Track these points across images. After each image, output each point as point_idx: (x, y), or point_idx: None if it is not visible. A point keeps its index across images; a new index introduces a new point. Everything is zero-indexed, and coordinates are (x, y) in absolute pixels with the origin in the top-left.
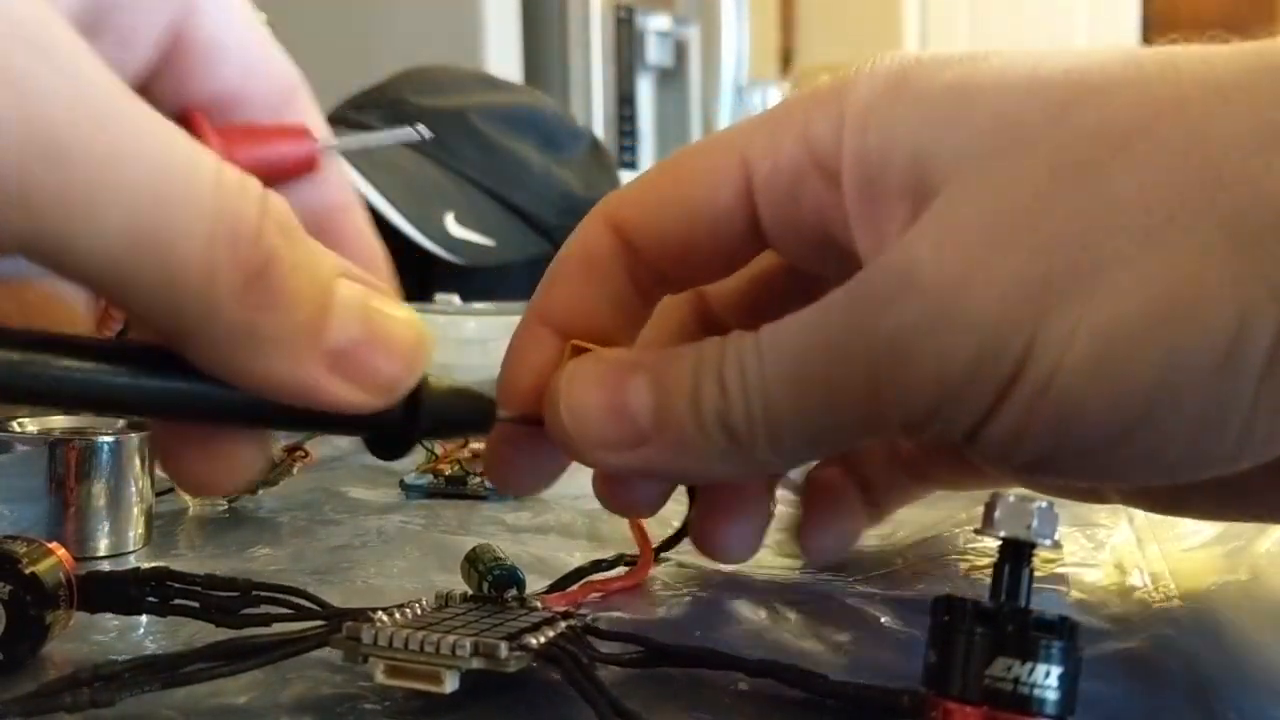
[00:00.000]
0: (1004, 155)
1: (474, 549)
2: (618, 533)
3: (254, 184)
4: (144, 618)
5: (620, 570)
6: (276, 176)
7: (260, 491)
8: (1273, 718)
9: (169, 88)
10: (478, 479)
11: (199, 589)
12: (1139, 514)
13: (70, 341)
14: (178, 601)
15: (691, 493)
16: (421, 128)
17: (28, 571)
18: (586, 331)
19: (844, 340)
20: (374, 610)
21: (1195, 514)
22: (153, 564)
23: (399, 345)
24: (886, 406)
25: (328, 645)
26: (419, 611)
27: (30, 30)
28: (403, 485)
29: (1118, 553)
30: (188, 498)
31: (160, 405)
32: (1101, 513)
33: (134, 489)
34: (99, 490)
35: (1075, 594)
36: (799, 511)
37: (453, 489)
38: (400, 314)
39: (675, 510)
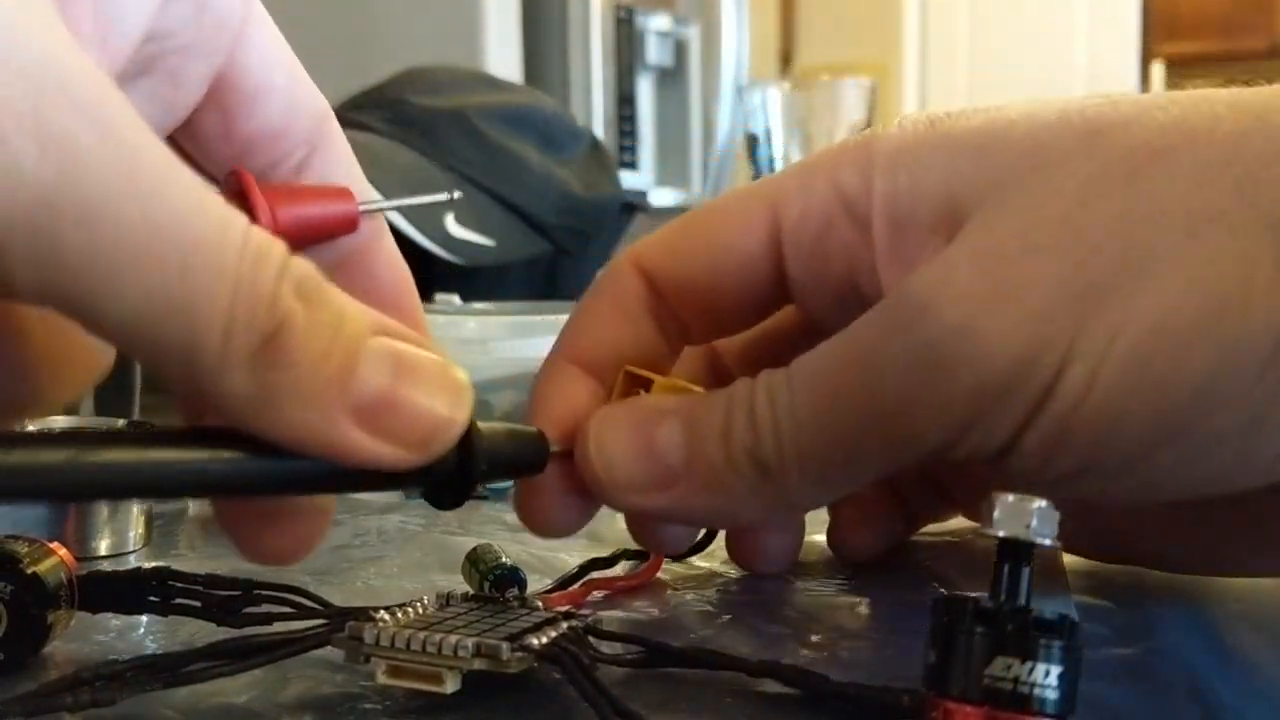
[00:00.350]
0: (1038, 174)
1: (475, 549)
2: (617, 532)
3: (278, 249)
4: (144, 617)
5: (624, 566)
6: (319, 235)
7: None
8: None
9: (215, 123)
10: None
11: (200, 588)
12: None
13: (104, 435)
14: (179, 601)
15: None
16: (456, 194)
17: (29, 571)
18: (598, 364)
19: (875, 357)
20: (375, 610)
21: (1230, 567)
22: (154, 564)
23: (431, 399)
24: (920, 424)
25: (329, 645)
26: (420, 611)
27: (76, 92)
28: None
29: None
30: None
31: (206, 484)
32: None
33: None
34: None
35: (1076, 599)
36: (832, 512)
37: None
38: (434, 367)
39: None
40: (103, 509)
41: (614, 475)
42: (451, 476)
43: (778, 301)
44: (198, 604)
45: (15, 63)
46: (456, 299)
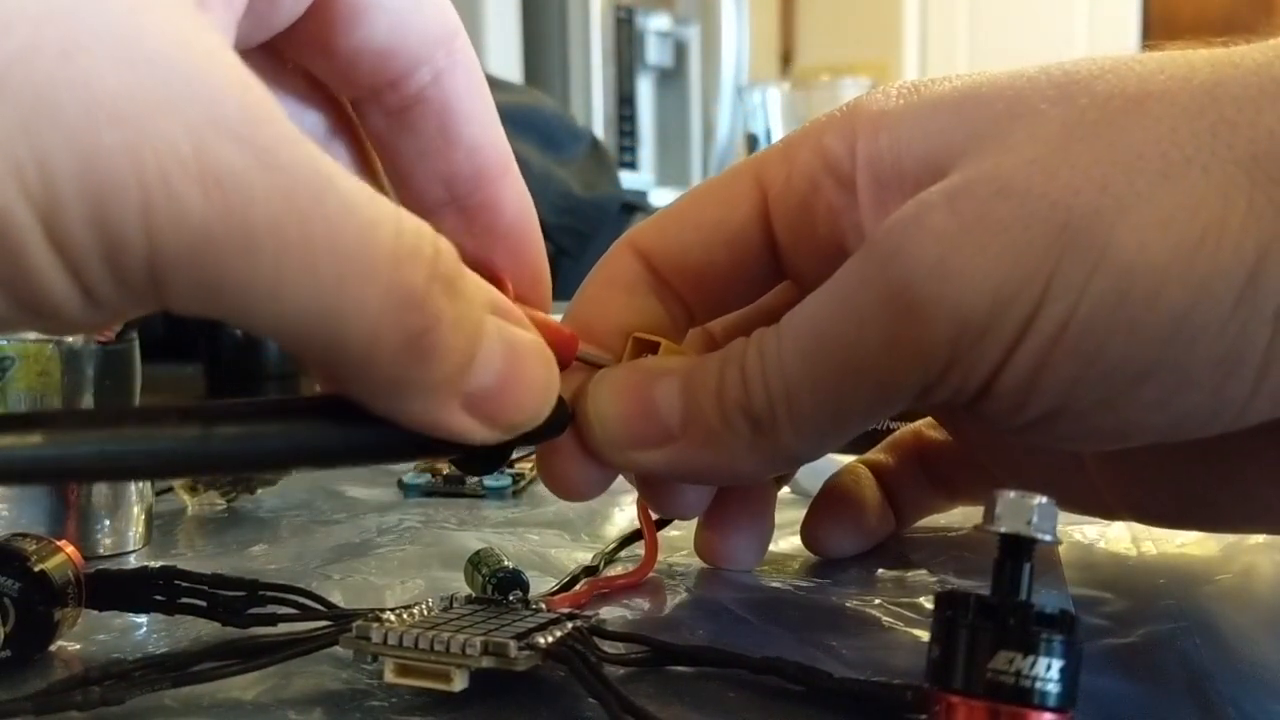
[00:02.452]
0: (1015, 122)
1: (477, 552)
2: (616, 528)
3: (428, 241)
4: (146, 616)
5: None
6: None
7: (259, 491)
8: (1269, 710)
9: (314, 37)
10: (476, 478)
11: (206, 588)
12: None
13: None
14: (185, 600)
15: None
16: None
17: (36, 569)
18: (609, 344)
19: (854, 302)
20: (381, 610)
21: (1208, 523)
22: (160, 564)
23: (531, 389)
24: (900, 367)
25: (337, 644)
26: (425, 613)
27: (232, 117)
28: (400, 484)
29: (1114, 550)
30: (186, 497)
31: (296, 455)
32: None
33: (134, 488)
34: (100, 490)
35: (1071, 590)
36: (809, 506)
37: (450, 488)
38: (534, 353)
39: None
40: (103, 509)
41: (612, 434)
42: (493, 445)
43: (771, 275)
44: (203, 604)
45: (174, 101)
46: None
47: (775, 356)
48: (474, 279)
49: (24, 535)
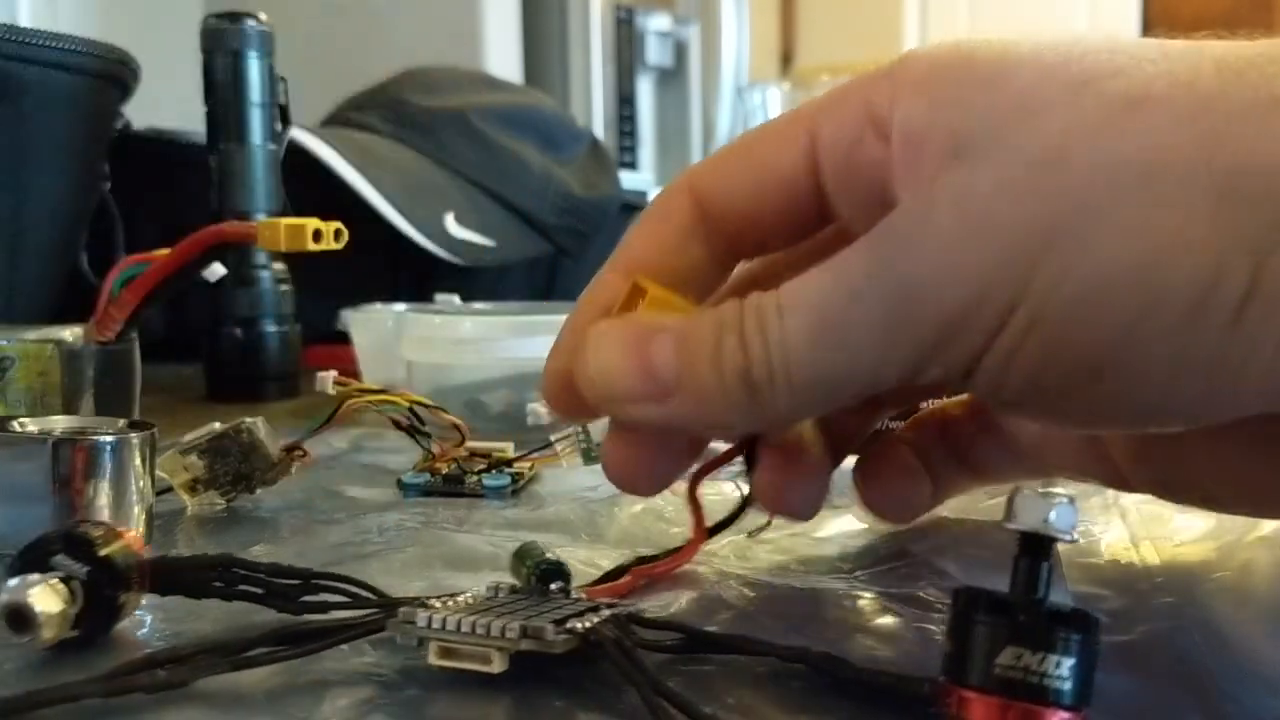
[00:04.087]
0: (1027, 119)
1: (522, 545)
2: (617, 528)
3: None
4: (195, 602)
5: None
6: None
7: (258, 491)
8: (1269, 707)
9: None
10: (475, 477)
11: (263, 576)
12: (1132, 511)
13: None
14: (242, 588)
15: (749, 458)
16: None
17: (103, 554)
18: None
19: (862, 284)
20: (426, 599)
21: (1219, 505)
22: (220, 552)
23: None
24: (897, 347)
25: (384, 630)
26: (469, 601)
27: None
28: (400, 484)
29: (1112, 549)
30: (186, 497)
31: None
32: (1095, 511)
33: (135, 488)
34: (101, 490)
35: (1071, 588)
36: (858, 476)
37: (450, 488)
38: None
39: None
40: (105, 508)
41: (611, 388)
42: None
43: (817, 218)
44: (259, 591)
45: None
46: (456, 299)
47: (777, 329)
48: None
49: (89, 522)
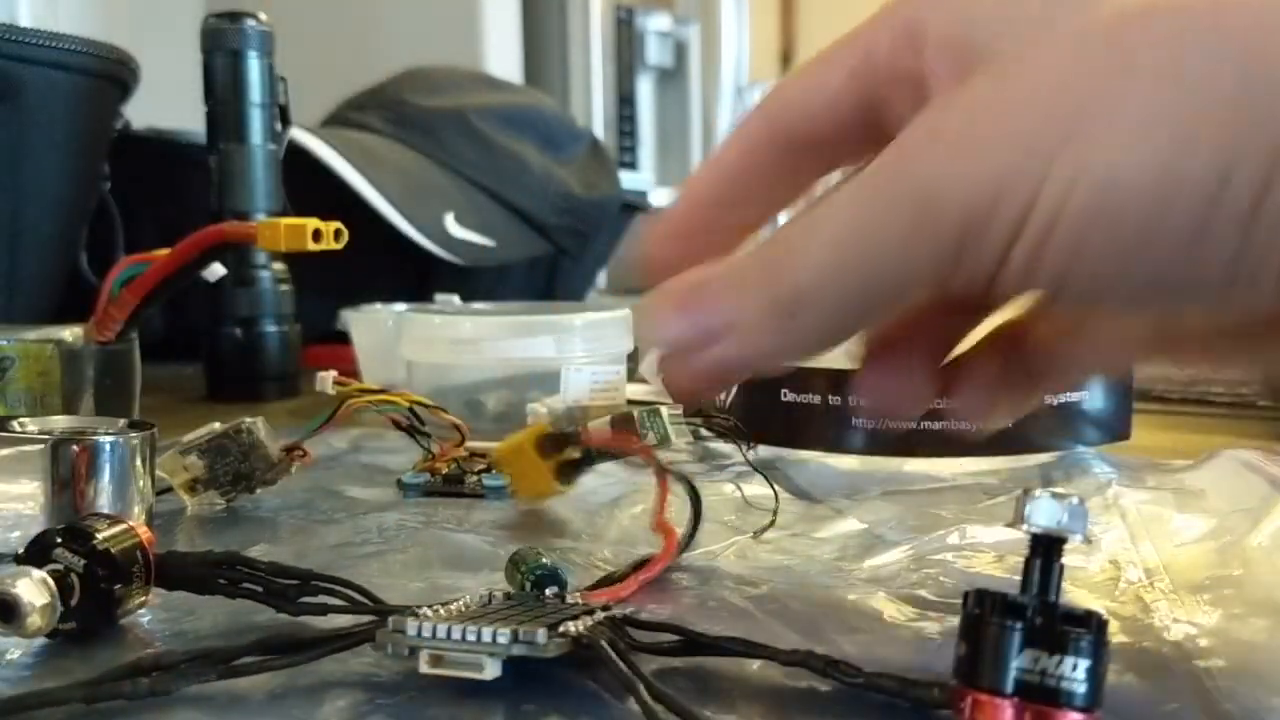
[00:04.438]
0: (1040, 31)
1: (518, 551)
2: (616, 528)
3: None
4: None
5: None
6: None
7: (258, 491)
8: (1270, 707)
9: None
10: (475, 477)
11: (263, 575)
12: (1132, 512)
13: None
14: (245, 585)
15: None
16: None
17: (100, 547)
18: (732, 199)
19: (885, 193)
20: (418, 606)
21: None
22: (224, 549)
23: None
24: (922, 253)
25: (374, 639)
26: (463, 608)
27: None
28: (400, 484)
29: (1112, 550)
30: (186, 497)
31: None
32: (1095, 510)
33: (135, 488)
34: (101, 490)
35: (1073, 590)
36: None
37: (449, 488)
38: None
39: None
40: (104, 508)
41: (671, 345)
42: None
43: (873, 137)
44: (260, 589)
45: None
46: (456, 299)
47: (805, 246)
48: None
49: (99, 515)
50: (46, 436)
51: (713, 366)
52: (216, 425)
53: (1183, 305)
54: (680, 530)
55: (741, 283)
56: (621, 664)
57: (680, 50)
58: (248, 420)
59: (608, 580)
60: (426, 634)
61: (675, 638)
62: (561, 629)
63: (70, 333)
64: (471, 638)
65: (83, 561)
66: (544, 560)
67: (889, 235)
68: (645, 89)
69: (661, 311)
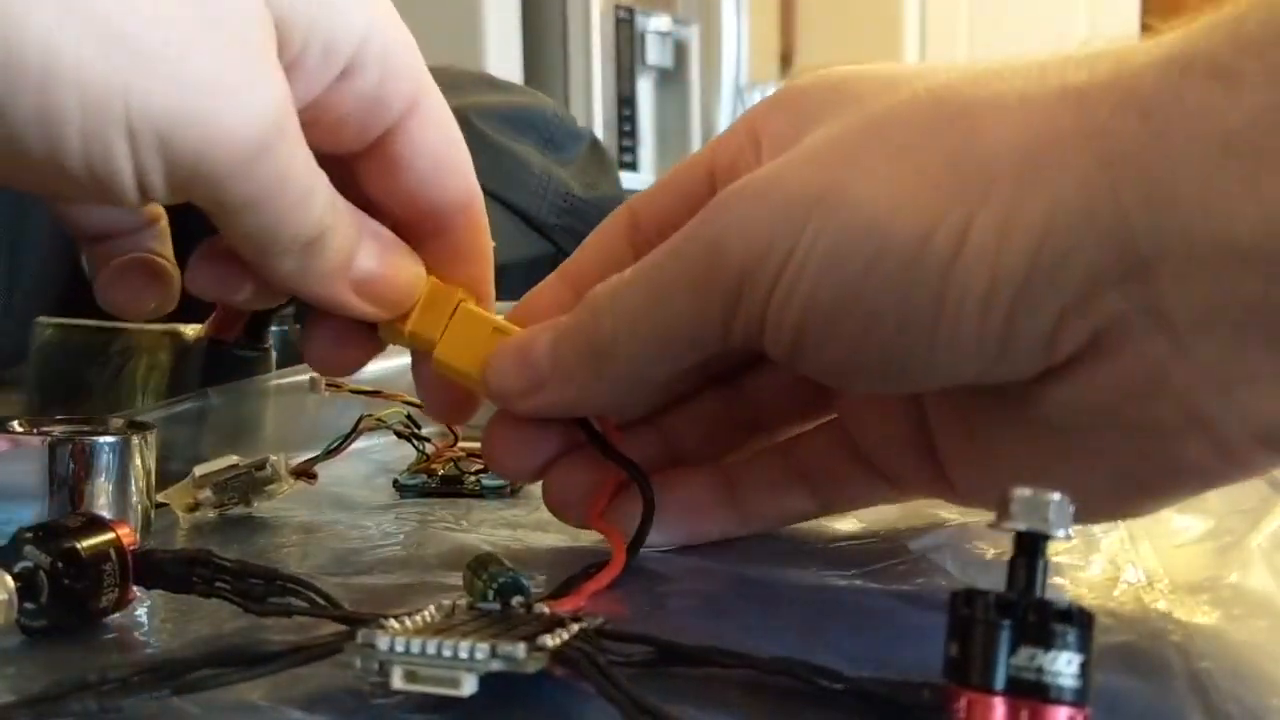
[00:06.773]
0: (836, 116)
1: (476, 558)
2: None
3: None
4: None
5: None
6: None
7: (255, 504)
8: (1270, 707)
9: (367, 174)
10: (473, 477)
11: (230, 575)
12: None
13: None
14: (218, 584)
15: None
16: None
17: (66, 545)
18: (590, 284)
19: (682, 246)
20: (385, 616)
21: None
22: (196, 547)
23: (399, 274)
24: (709, 300)
25: (342, 652)
26: (428, 618)
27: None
28: (396, 485)
29: (1111, 550)
30: (181, 515)
31: None
32: None
33: (134, 489)
34: (100, 490)
35: (1071, 590)
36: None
37: (447, 488)
38: (400, 251)
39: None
40: (104, 510)
41: (501, 385)
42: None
43: None
44: (228, 589)
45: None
46: None
47: (611, 299)
48: (351, 213)
49: (80, 514)
50: (44, 436)
51: (534, 412)
52: (235, 459)
53: (892, 371)
54: (626, 526)
55: (558, 336)
56: (605, 680)
57: (680, 50)
58: (272, 457)
59: (566, 586)
60: (400, 649)
61: (648, 649)
62: (539, 642)
63: (191, 329)
64: (448, 653)
65: (49, 559)
66: (506, 566)
67: (683, 284)
68: (645, 89)
69: (499, 363)
